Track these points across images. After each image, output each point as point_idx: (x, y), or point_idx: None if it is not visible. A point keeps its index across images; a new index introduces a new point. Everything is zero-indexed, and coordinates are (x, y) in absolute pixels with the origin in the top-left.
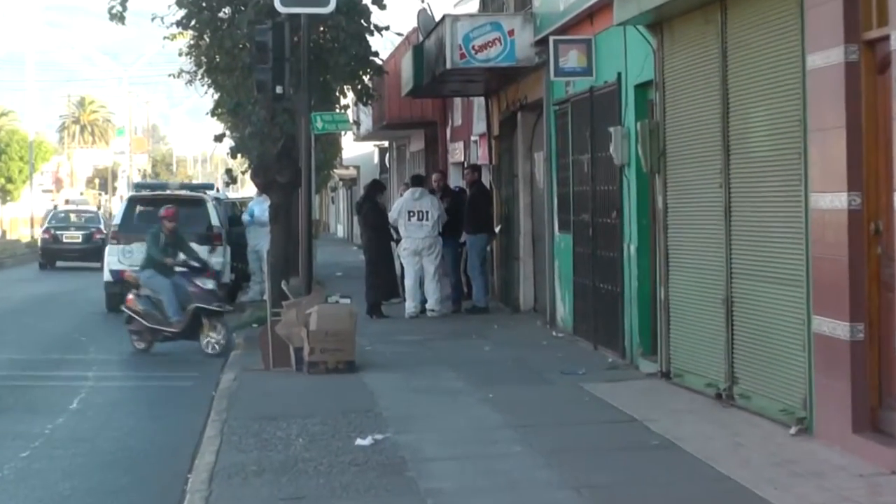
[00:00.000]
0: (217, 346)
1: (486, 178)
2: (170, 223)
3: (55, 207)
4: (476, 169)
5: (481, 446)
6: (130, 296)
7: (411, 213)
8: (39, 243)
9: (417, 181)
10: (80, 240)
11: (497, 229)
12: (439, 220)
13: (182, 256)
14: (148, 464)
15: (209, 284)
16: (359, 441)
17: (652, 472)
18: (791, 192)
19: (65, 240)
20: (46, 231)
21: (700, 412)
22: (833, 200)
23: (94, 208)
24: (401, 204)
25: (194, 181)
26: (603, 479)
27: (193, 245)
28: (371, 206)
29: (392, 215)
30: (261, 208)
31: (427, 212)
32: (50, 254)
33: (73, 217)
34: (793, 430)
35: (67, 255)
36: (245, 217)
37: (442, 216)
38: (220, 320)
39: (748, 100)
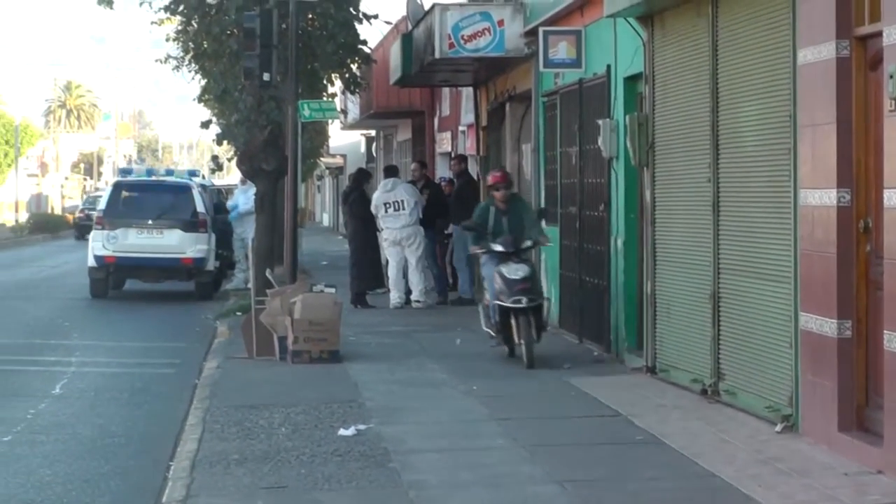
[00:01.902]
0: (529, 357)
1: (474, 169)
2: (500, 192)
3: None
4: (462, 159)
5: (465, 439)
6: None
7: (387, 205)
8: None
9: (389, 172)
10: None
11: None
12: (417, 207)
13: (527, 241)
14: (129, 451)
15: (519, 271)
16: (342, 431)
17: (636, 468)
18: (780, 188)
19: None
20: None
21: (685, 408)
22: (822, 197)
23: None
24: (376, 197)
25: (179, 167)
26: (587, 474)
27: None
28: (358, 196)
29: (372, 209)
30: (245, 197)
31: (402, 201)
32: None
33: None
34: (778, 428)
35: None
36: (231, 208)
37: (420, 202)
38: (532, 318)
39: (738, 94)
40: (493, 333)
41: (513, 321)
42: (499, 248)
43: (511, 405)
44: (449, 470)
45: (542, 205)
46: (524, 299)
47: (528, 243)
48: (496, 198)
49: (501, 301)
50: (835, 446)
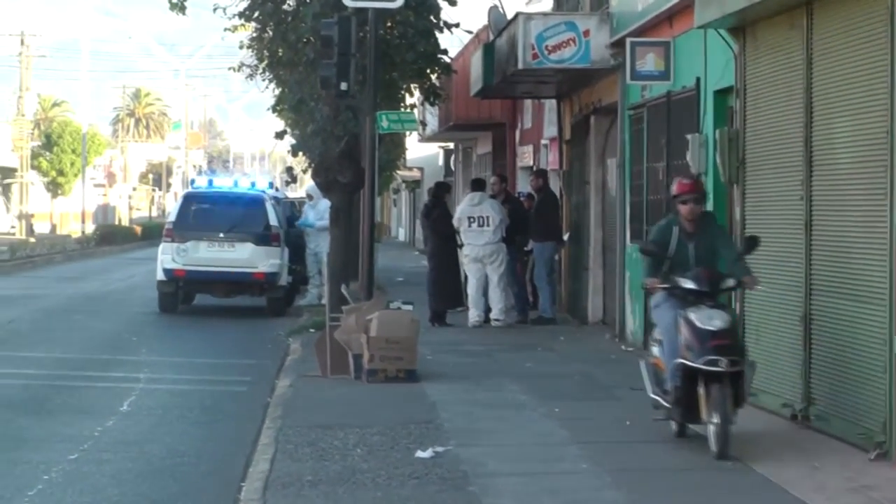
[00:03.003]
0: (722, 441)
1: (556, 184)
2: (689, 205)
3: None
4: (541, 174)
5: (546, 463)
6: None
7: (471, 219)
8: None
9: (477, 185)
10: None
11: (566, 237)
12: (501, 225)
13: (729, 281)
14: (199, 471)
15: (716, 320)
16: (419, 453)
17: (723, 495)
18: (876, 206)
19: None
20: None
21: (774, 433)
22: None
23: None
24: (461, 210)
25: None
26: (672, 501)
27: None
28: (442, 213)
29: (454, 221)
30: (315, 213)
31: (487, 217)
32: None
33: None
34: (871, 455)
35: None
36: (302, 225)
37: (504, 220)
38: (731, 387)
39: (833, 108)
40: (663, 402)
41: (701, 389)
42: (689, 284)
43: (593, 428)
44: (530, 494)
45: (628, 220)
46: (723, 360)
47: (731, 283)
48: (682, 214)
49: (687, 360)
50: None
